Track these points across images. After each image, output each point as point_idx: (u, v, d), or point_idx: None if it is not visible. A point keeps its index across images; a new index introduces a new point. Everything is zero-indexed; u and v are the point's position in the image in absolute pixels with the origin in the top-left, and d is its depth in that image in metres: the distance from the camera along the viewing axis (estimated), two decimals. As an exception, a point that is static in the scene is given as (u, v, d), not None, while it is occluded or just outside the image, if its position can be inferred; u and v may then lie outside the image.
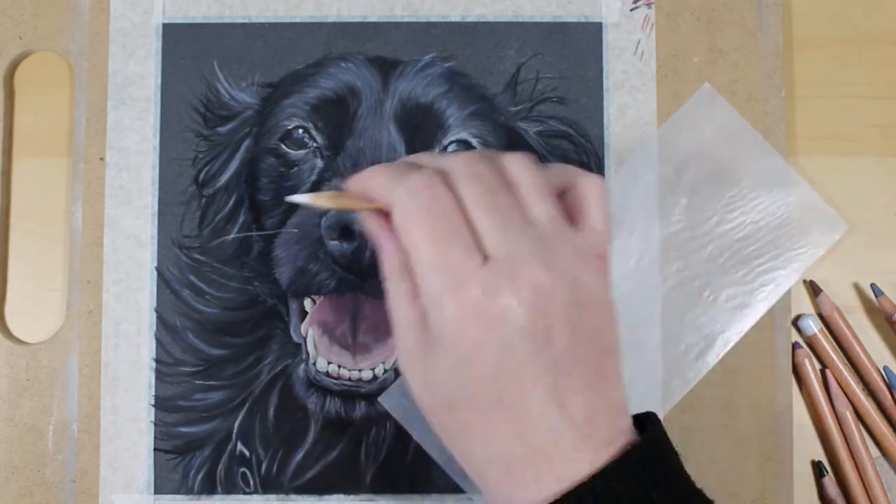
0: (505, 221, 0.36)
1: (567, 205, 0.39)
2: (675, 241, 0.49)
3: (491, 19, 0.51)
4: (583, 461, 0.35)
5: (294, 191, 0.49)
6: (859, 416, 0.49)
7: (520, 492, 0.36)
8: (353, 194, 0.39)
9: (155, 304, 0.50)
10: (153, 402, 0.49)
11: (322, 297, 0.48)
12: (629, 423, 0.37)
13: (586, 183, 0.39)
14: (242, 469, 0.49)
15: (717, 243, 0.49)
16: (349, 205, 0.39)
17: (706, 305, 0.49)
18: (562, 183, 0.39)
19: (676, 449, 0.38)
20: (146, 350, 0.50)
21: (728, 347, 0.49)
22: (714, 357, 0.49)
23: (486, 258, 0.36)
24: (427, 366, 0.37)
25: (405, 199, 0.36)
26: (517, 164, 0.38)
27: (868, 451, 0.49)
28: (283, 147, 0.50)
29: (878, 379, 0.49)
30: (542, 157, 0.51)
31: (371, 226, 0.39)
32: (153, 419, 0.49)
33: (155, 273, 0.50)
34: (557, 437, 0.35)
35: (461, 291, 0.35)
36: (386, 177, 0.38)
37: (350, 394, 0.49)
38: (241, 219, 0.50)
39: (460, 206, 0.37)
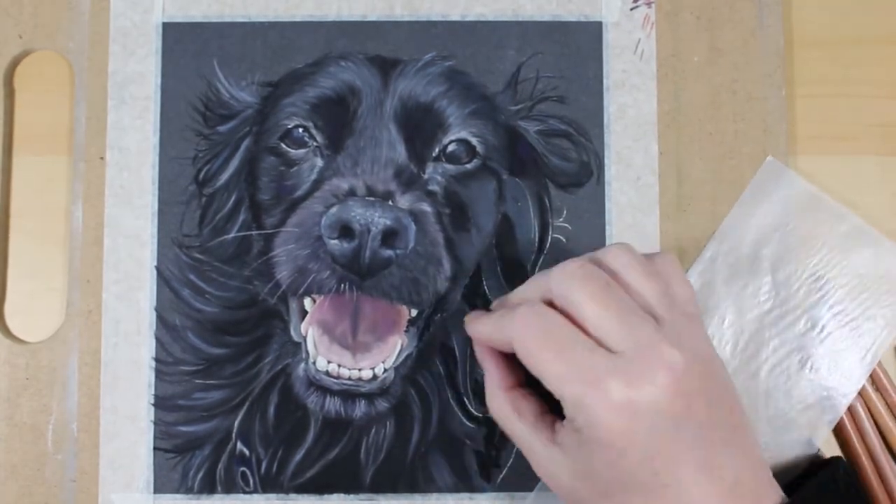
0: (622, 313, 0.38)
1: None
2: (768, 320, 0.49)
3: (491, 18, 0.51)
4: None
5: (294, 189, 0.49)
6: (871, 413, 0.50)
7: None
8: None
9: (155, 304, 0.50)
10: (153, 402, 0.49)
11: (322, 297, 0.48)
12: (770, 477, 0.39)
13: (662, 260, 0.42)
14: (242, 468, 0.49)
15: (809, 314, 0.49)
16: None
17: (809, 379, 0.49)
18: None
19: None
20: (146, 349, 0.50)
21: (838, 415, 0.49)
22: (826, 427, 0.49)
23: (613, 353, 0.38)
24: (578, 463, 0.39)
25: (520, 332, 0.39)
26: (614, 254, 0.41)
27: (883, 448, 0.49)
28: (283, 146, 0.50)
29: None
30: (543, 156, 0.51)
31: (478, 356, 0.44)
32: (153, 418, 0.49)
33: (155, 272, 0.50)
34: (711, 502, 0.37)
35: (600, 389, 0.37)
36: (492, 320, 0.42)
37: (350, 393, 0.49)
38: (241, 218, 0.50)
39: (571, 318, 0.39)
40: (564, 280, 0.40)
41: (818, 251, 0.50)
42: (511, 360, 0.43)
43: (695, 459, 0.37)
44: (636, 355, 0.37)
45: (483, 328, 0.43)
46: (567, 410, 0.38)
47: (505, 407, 0.42)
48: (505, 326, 0.41)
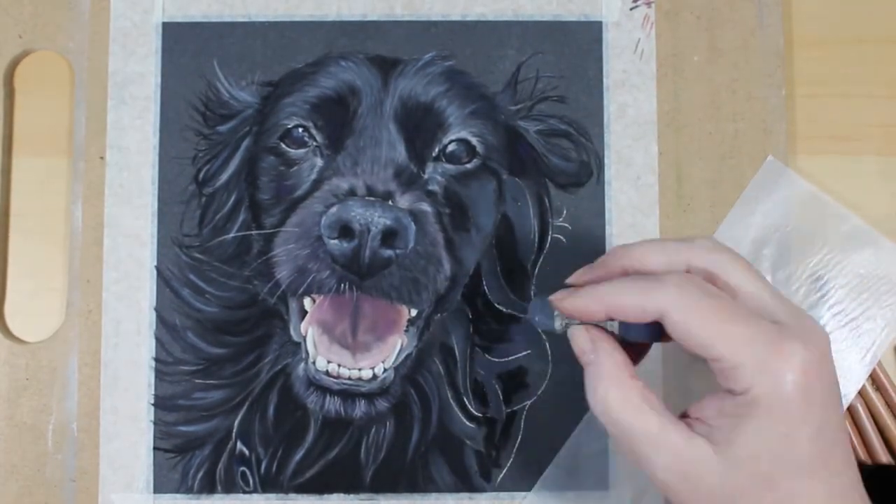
0: (770, 286, 0.38)
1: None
2: None
3: (491, 18, 0.51)
4: None
5: (294, 189, 0.49)
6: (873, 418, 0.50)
7: None
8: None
9: (155, 303, 0.50)
10: (153, 402, 0.49)
11: (322, 297, 0.48)
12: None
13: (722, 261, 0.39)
14: (242, 468, 0.49)
15: (809, 314, 0.49)
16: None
17: None
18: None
19: None
20: (146, 349, 0.50)
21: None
22: None
23: (777, 322, 0.36)
24: (738, 448, 0.35)
25: (679, 299, 0.36)
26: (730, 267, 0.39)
27: (884, 448, 0.49)
28: (283, 146, 0.50)
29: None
30: (543, 156, 0.51)
31: (582, 341, 0.38)
32: (153, 418, 0.49)
33: (155, 272, 0.50)
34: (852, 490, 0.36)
35: (784, 351, 0.35)
36: (638, 284, 0.37)
37: (350, 393, 0.49)
38: (240, 218, 0.50)
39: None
40: (714, 251, 0.38)
41: (818, 251, 0.50)
42: (626, 347, 0.39)
43: (843, 443, 0.36)
44: (797, 324, 0.36)
45: (615, 299, 0.37)
46: (741, 380, 0.35)
47: (633, 398, 0.37)
48: (653, 294, 0.36)
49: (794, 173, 0.50)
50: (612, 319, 0.38)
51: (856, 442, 0.49)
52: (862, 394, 0.49)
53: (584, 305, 0.38)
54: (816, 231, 0.50)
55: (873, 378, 0.50)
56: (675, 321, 0.36)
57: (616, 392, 0.37)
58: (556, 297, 0.39)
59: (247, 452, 0.49)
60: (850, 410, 0.49)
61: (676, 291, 0.36)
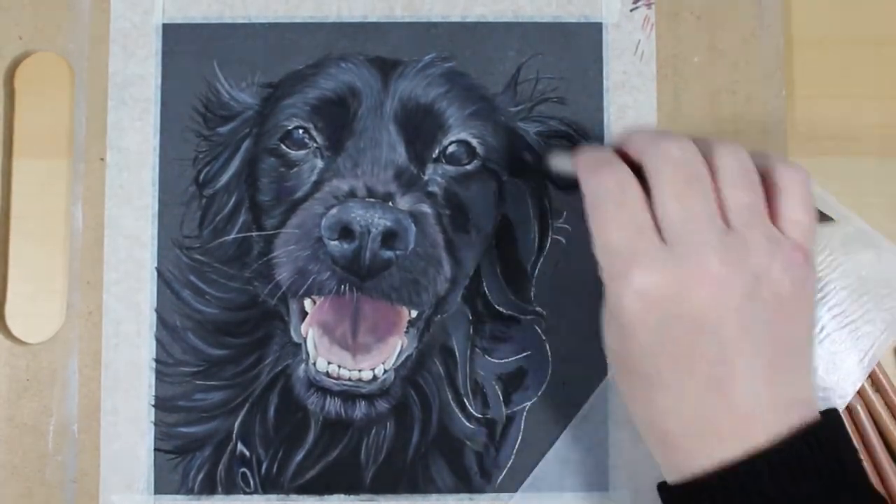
0: (693, 210, 0.38)
1: (768, 194, 0.40)
2: None
3: (491, 19, 0.51)
4: (735, 448, 0.37)
5: (294, 191, 0.49)
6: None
7: (677, 463, 0.38)
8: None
9: (155, 305, 0.50)
10: (153, 403, 0.49)
11: (322, 298, 0.48)
12: (804, 421, 0.37)
13: (785, 172, 0.40)
14: (243, 469, 0.49)
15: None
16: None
17: None
18: (763, 172, 0.40)
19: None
20: (146, 350, 0.50)
21: None
22: None
23: (665, 244, 0.38)
24: (609, 331, 0.40)
25: (594, 188, 0.40)
26: (723, 150, 0.40)
27: (883, 448, 0.49)
28: (284, 147, 0.50)
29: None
30: (542, 158, 0.51)
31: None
32: (153, 419, 0.49)
33: (155, 273, 0.50)
34: (712, 421, 0.37)
35: (631, 274, 0.37)
36: (587, 164, 0.41)
37: (350, 394, 0.49)
38: (241, 219, 0.50)
39: (643, 196, 0.39)
40: (658, 156, 0.39)
41: (820, 252, 0.50)
42: None
43: (703, 374, 0.37)
44: (682, 253, 0.37)
45: (576, 165, 0.42)
46: (605, 277, 0.39)
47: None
48: (587, 179, 0.41)
49: None
50: None
51: (855, 443, 0.49)
52: (861, 395, 0.50)
53: (573, 161, 0.43)
54: (818, 232, 0.50)
55: (873, 379, 0.50)
56: (586, 205, 0.40)
57: None
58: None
59: (247, 453, 0.49)
60: (850, 411, 0.49)
61: (595, 181, 0.40)
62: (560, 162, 0.46)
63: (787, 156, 0.51)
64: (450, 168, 0.49)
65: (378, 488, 0.49)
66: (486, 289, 0.50)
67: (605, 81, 0.51)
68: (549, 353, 0.50)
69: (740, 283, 0.37)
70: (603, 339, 0.41)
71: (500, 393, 0.50)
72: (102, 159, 0.51)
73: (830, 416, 0.39)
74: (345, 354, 0.48)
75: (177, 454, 0.49)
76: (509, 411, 0.50)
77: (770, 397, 0.37)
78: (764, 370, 0.37)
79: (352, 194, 0.47)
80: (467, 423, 0.50)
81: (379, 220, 0.46)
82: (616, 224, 0.39)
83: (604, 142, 0.51)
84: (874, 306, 0.49)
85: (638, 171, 0.40)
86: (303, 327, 0.49)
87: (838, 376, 0.49)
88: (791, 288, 0.38)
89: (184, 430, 0.49)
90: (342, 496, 0.49)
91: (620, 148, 0.42)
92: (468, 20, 0.51)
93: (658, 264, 0.37)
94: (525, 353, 0.50)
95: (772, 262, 0.38)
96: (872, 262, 0.50)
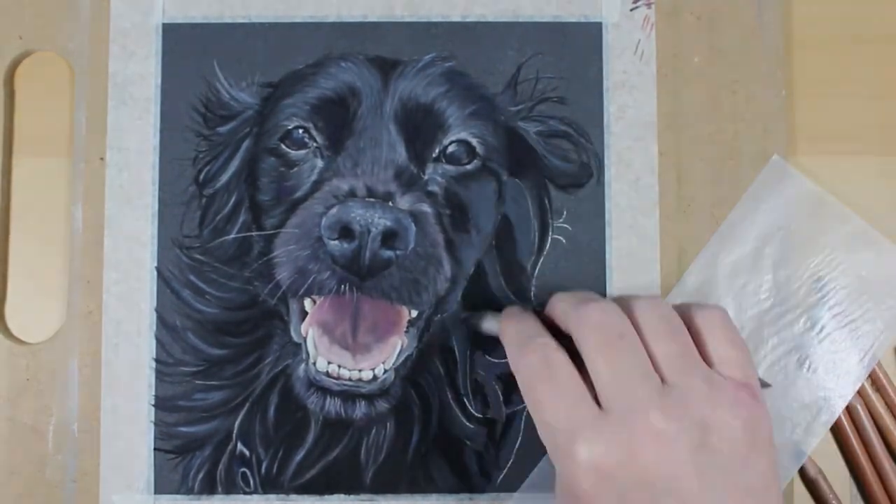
0: (623, 369, 0.37)
1: (695, 340, 0.40)
2: (767, 318, 0.49)
3: (491, 19, 0.51)
4: None
5: (294, 190, 0.49)
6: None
7: None
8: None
9: (155, 304, 0.50)
10: (153, 402, 0.49)
11: (322, 298, 0.48)
12: None
13: (704, 314, 0.40)
14: (243, 469, 0.49)
15: (809, 314, 0.49)
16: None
17: (807, 378, 0.49)
18: (684, 320, 0.40)
19: None
20: (146, 350, 0.50)
21: (834, 417, 0.49)
22: (822, 428, 0.49)
23: (602, 411, 0.37)
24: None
25: (523, 364, 0.40)
26: (643, 305, 0.40)
27: (883, 448, 0.49)
28: (284, 147, 0.50)
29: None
30: (542, 157, 0.51)
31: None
32: (153, 419, 0.49)
33: (155, 273, 0.50)
34: None
35: (574, 449, 0.36)
36: (512, 343, 0.42)
37: (350, 394, 0.49)
38: (241, 219, 0.50)
39: (572, 363, 0.39)
40: (581, 322, 0.40)
41: (820, 251, 0.50)
42: None
43: None
44: (622, 416, 0.36)
45: (504, 340, 0.43)
46: (551, 456, 0.39)
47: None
48: (514, 360, 0.41)
49: (798, 173, 0.50)
50: None
51: (855, 443, 0.49)
52: (861, 394, 0.50)
53: (501, 325, 0.44)
54: (819, 232, 0.50)
55: (873, 379, 0.50)
56: (518, 380, 0.41)
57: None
58: (508, 310, 0.46)
59: (247, 453, 0.49)
60: (850, 410, 0.49)
61: (524, 358, 0.40)
62: (489, 325, 0.47)
63: (788, 156, 0.51)
64: (450, 168, 0.49)
65: (378, 488, 0.49)
66: (486, 288, 0.50)
67: (605, 81, 0.51)
68: (549, 353, 0.50)
69: (687, 436, 0.36)
70: None
71: (500, 393, 0.50)
72: (102, 159, 0.51)
73: None
74: (345, 354, 0.48)
75: (177, 454, 0.49)
76: (509, 411, 0.50)
77: None
78: None
79: (352, 194, 0.47)
80: (467, 423, 0.50)
81: (379, 220, 0.46)
82: (550, 402, 0.38)
83: (603, 143, 0.51)
84: (874, 305, 0.49)
85: (565, 335, 0.41)
86: (303, 327, 0.49)
87: (838, 376, 0.49)
88: (742, 430, 0.37)
89: (184, 429, 0.49)
90: (342, 496, 0.49)
91: (545, 313, 0.43)
92: (468, 20, 0.51)
93: (600, 433, 0.36)
94: (525, 353, 0.50)
95: (716, 408, 0.37)
96: (872, 262, 0.50)
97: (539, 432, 0.39)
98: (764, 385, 0.42)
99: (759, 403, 0.38)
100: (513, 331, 0.43)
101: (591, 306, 0.40)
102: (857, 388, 0.49)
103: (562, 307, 0.42)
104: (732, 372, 0.39)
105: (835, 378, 0.49)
